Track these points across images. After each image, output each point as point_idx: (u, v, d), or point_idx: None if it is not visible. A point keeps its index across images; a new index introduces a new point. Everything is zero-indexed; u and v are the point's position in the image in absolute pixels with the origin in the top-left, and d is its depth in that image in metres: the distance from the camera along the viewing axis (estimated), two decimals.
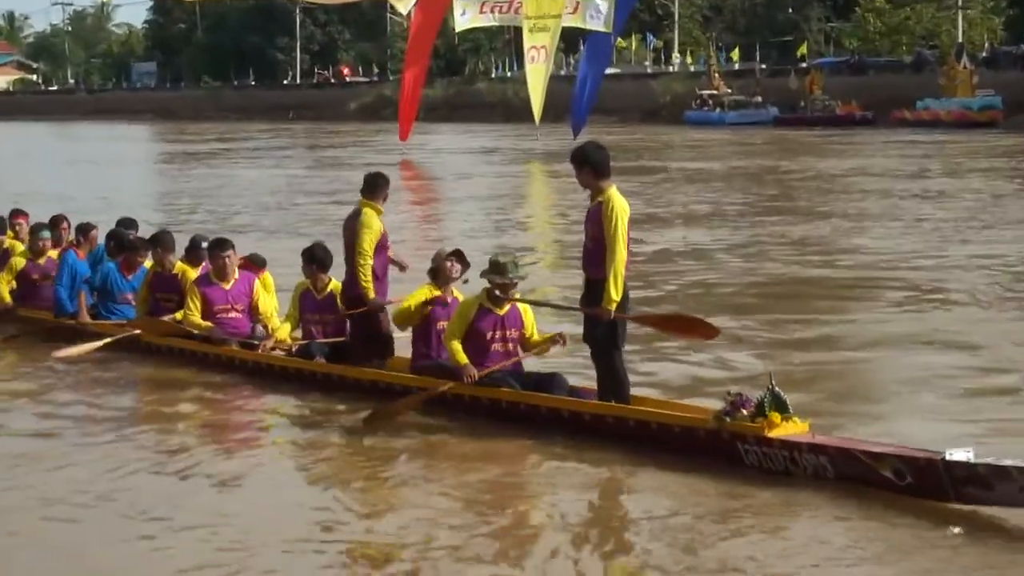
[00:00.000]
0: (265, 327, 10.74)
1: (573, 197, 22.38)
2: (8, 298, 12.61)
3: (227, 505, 7.25)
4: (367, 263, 9.66)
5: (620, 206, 8.16)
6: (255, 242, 12.12)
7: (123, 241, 12.02)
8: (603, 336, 8.28)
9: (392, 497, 7.40)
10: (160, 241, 11.57)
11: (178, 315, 11.02)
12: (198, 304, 10.77)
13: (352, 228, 9.70)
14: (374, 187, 9.83)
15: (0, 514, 7.13)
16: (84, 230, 12.68)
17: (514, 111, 65.34)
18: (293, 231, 20.34)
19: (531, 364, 9.16)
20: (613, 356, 8.33)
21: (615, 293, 8.14)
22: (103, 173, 37.18)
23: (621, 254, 8.12)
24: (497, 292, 8.90)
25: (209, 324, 10.70)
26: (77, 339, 11.26)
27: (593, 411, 8.28)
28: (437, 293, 9.36)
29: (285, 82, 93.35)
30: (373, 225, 9.66)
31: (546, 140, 45.68)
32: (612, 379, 8.36)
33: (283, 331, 10.47)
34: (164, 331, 11.08)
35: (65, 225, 13.33)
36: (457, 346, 8.81)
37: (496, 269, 8.85)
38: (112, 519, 7.03)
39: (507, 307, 8.95)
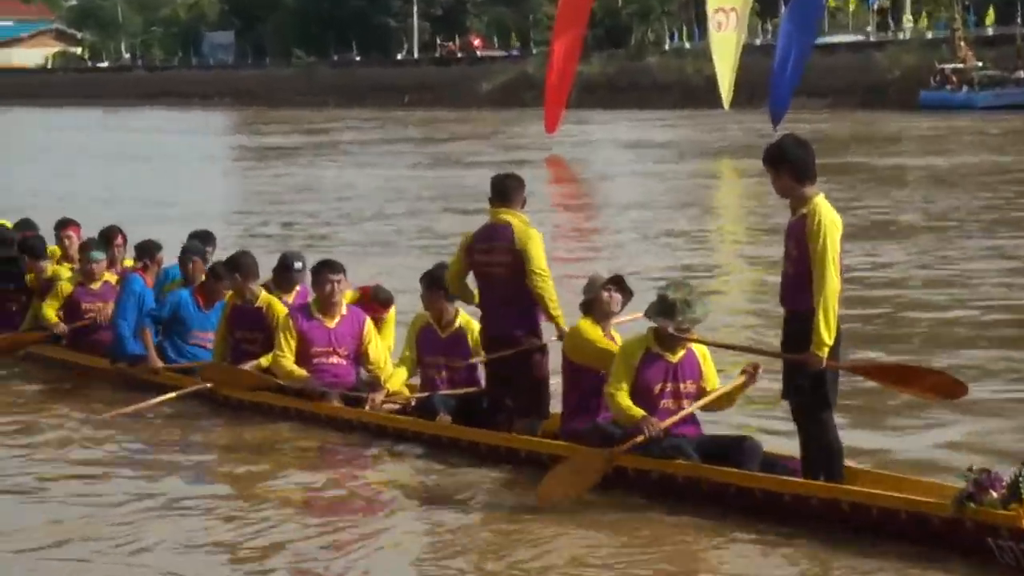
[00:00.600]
0: (377, 378, 10.85)
1: (773, 205, 22.34)
2: (54, 318, 12.97)
3: None
4: (551, 284, 9.77)
5: (829, 220, 8.16)
6: (351, 264, 12.33)
7: (213, 267, 12.08)
8: (810, 390, 8.27)
9: None
10: (240, 265, 11.59)
11: (264, 360, 11.18)
12: (292, 344, 10.87)
13: (503, 247, 9.78)
14: (505, 191, 9.96)
15: None
16: (149, 249, 12.87)
17: (694, 93, 65.40)
18: (398, 249, 20.72)
19: (711, 423, 9.23)
20: (822, 417, 8.32)
21: (826, 334, 8.11)
22: (159, 173, 38.25)
23: (833, 282, 8.11)
24: (671, 330, 8.97)
25: (304, 373, 10.81)
26: (136, 387, 11.64)
27: (796, 491, 8.30)
28: (600, 332, 9.46)
29: (399, 57, 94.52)
30: (540, 239, 9.80)
31: (737, 130, 45.61)
32: (821, 447, 8.35)
33: (396, 379, 10.64)
34: (243, 383, 11.27)
35: (120, 240, 13.60)
36: (625, 398, 8.89)
37: (665, 310, 8.88)
38: None
39: (682, 352, 9.05)
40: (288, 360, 10.88)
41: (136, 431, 11.00)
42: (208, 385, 11.39)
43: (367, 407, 10.54)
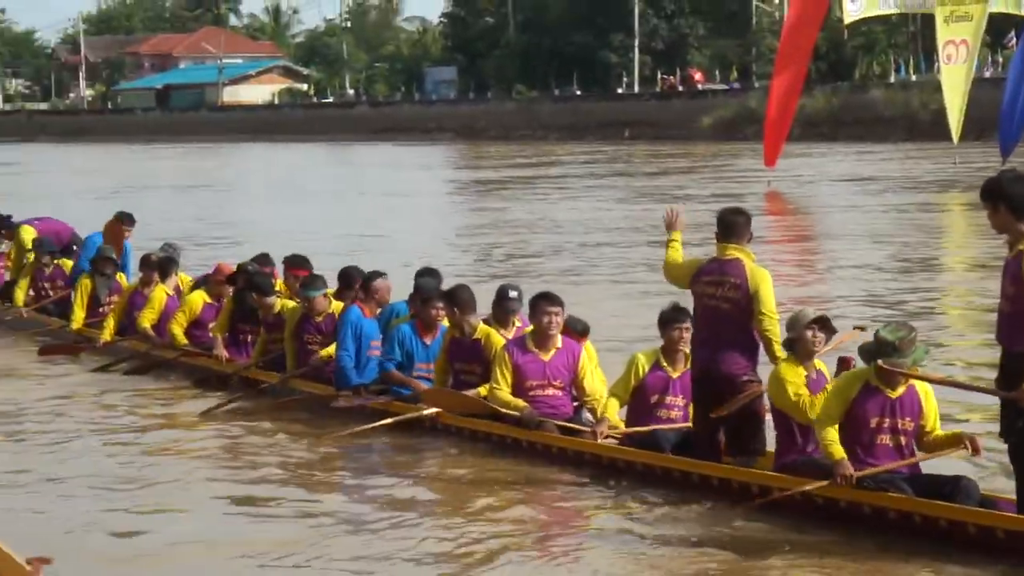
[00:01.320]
0: (593, 409, 10.95)
1: (997, 243, 21.88)
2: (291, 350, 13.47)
3: None
4: (778, 326, 9.80)
5: None
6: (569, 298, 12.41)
7: (428, 298, 12.32)
8: None
9: None
10: (457, 299, 11.86)
11: (482, 390, 11.40)
12: (508, 377, 11.06)
13: (733, 283, 9.79)
14: (733, 227, 9.98)
15: None
16: (370, 282, 13.19)
17: (920, 127, 64.34)
18: (598, 281, 20.76)
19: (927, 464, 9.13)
20: None
21: None
22: (380, 207, 38.89)
23: None
24: (882, 363, 8.87)
25: (522, 403, 10.98)
26: (361, 416, 11.98)
27: (1013, 527, 8.17)
28: (802, 372, 9.42)
29: (619, 91, 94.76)
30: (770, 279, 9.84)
31: (966, 164, 44.77)
32: None
33: (612, 411, 10.68)
34: (465, 408, 11.45)
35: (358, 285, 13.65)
36: (833, 434, 8.82)
37: (885, 350, 8.79)
38: None
39: (902, 388, 8.92)
40: (504, 392, 11.06)
41: (355, 454, 11.44)
42: (430, 411, 11.63)
43: (599, 439, 10.56)
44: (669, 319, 10.54)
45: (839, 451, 8.77)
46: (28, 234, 19.04)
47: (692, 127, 78.20)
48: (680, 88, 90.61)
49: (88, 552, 9.11)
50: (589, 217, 33.09)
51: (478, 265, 24.46)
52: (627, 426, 10.63)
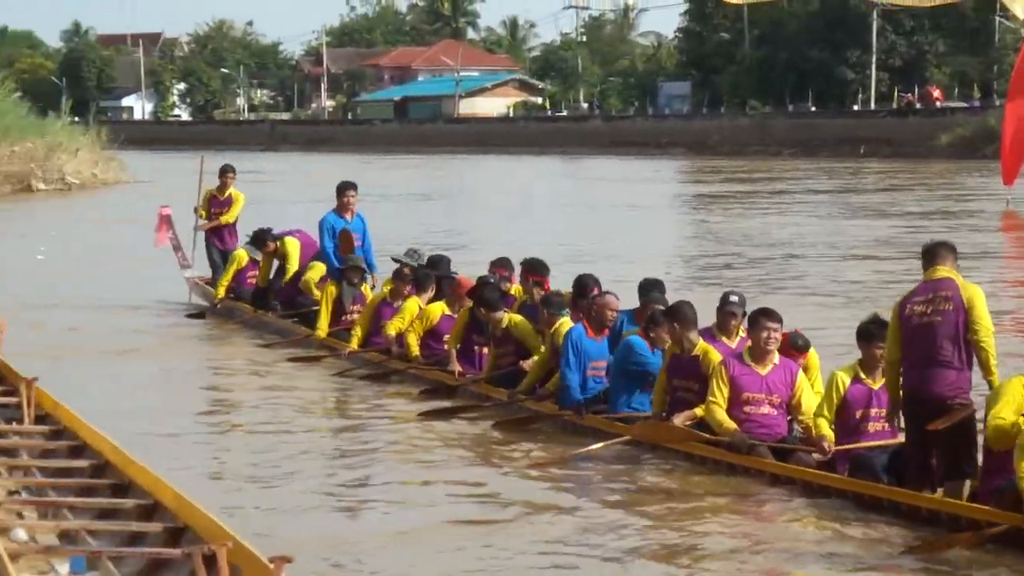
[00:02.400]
0: (808, 428, 10.96)
1: None
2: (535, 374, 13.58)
3: None
4: (994, 342, 9.82)
5: None
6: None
7: (653, 314, 12.41)
8: None
9: None
10: (678, 314, 11.91)
11: (699, 410, 11.45)
12: (725, 391, 11.13)
13: (945, 298, 9.78)
14: (938, 254, 10.04)
15: None
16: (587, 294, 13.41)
17: None
18: (813, 298, 20.73)
19: None
20: None
21: None
22: (608, 220, 39.20)
23: None
24: None
25: (733, 426, 11.02)
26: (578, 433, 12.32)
27: None
28: None
29: (855, 107, 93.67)
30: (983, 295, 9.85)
31: None
32: None
33: (826, 429, 10.67)
34: (675, 440, 11.57)
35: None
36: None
37: None
38: None
39: None
40: (720, 409, 11.11)
41: (573, 469, 11.65)
42: (630, 437, 11.85)
43: (826, 454, 10.60)
44: (869, 334, 10.56)
45: None
46: (293, 246, 19.45)
47: (929, 145, 76.97)
48: (918, 105, 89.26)
49: (324, 549, 9.46)
50: (816, 232, 32.91)
51: (698, 276, 24.57)
52: (836, 444, 10.67)
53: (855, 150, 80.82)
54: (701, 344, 11.75)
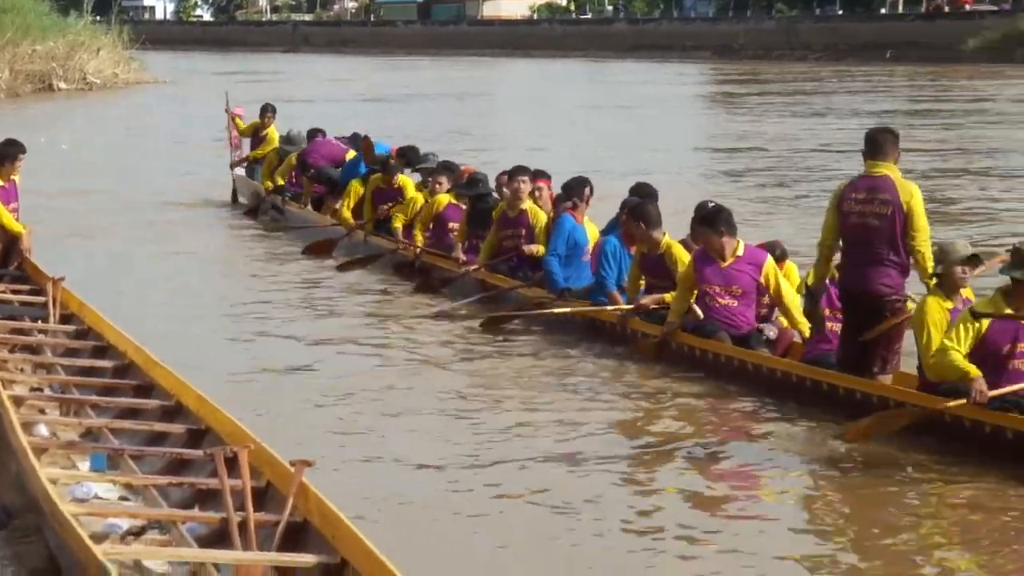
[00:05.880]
0: (779, 325, 11.47)
1: None
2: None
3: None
4: (930, 243, 9.92)
5: None
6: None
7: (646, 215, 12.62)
8: None
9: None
10: (642, 215, 12.42)
11: (667, 296, 12.04)
12: (690, 291, 11.68)
13: (883, 199, 9.88)
14: (881, 145, 10.05)
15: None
16: (575, 188, 13.73)
17: None
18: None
19: None
20: None
21: None
22: (613, 122, 39.39)
23: None
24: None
25: (680, 315, 11.66)
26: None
27: None
28: (949, 306, 9.40)
29: (883, 11, 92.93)
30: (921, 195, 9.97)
31: None
32: None
33: (806, 326, 11.01)
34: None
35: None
36: (959, 356, 8.88)
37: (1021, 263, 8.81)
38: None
39: None
40: (681, 302, 11.72)
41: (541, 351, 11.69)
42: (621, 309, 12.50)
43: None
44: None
45: (973, 368, 8.80)
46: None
47: (955, 49, 76.35)
48: (946, 9, 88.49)
49: (344, 453, 9.58)
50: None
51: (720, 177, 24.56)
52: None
53: (882, 54, 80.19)
54: (666, 240, 12.22)
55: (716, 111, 46.64)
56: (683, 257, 11.97)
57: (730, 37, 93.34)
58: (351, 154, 19.21)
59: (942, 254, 9.49)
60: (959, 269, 9.40)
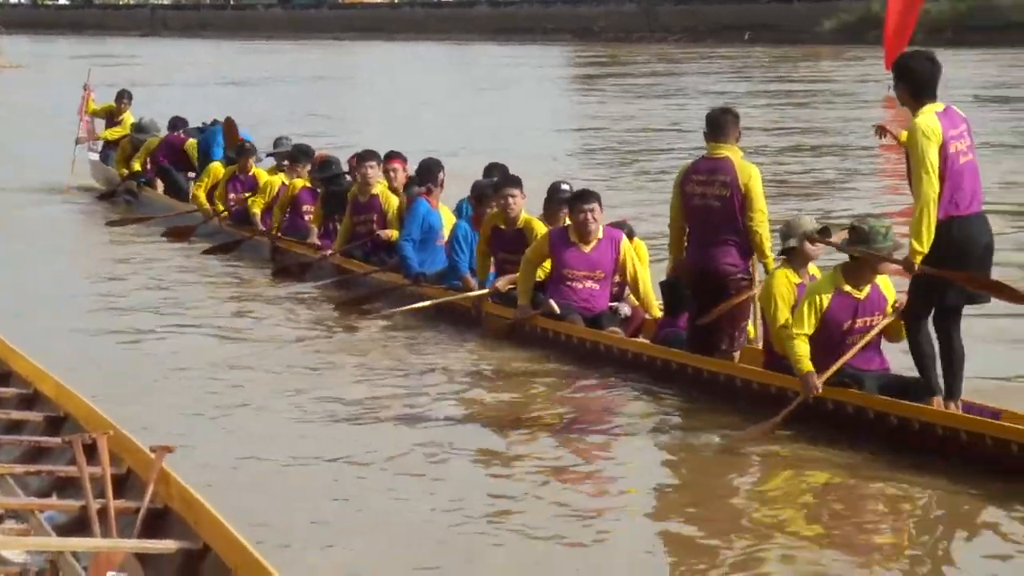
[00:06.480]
0: (631, 303, 11.76)
1: None
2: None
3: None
4: (768, 223, 10.28)
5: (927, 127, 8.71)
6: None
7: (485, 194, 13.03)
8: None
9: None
10: (482, 195, 12.83)
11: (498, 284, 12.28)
12: (539, 264, 11.87)
13: (723, 181, 10.15)
14: (722, 126, 10.27)
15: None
16: (430, 173, 13.94)
17: None
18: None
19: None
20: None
21: (917, 241, 8.64)
22: (468, 105, 39.44)
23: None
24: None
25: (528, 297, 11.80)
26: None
27: (943, 422, 8.73)
28: (796, 280, 9.65)
29: None
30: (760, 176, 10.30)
31: None
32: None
33: (656, 306, 11.36)
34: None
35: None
36: (803, 345, 9.20)
37: (862, 237, 9.05)
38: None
39: (867, 288, 9.26)
40: (527, 280, 11.90)
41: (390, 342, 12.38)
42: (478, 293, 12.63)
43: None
44: None
45: (808, 364, 9.11)
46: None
47: (813, 31, 77.29)
48: None
49: (205, 438, 9.65)
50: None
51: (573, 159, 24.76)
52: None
53: (740, 35, 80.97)
54: (524, 215, 12.30)
55: (573, 93, 46.85)
56: (541, 231, 12.11)
57: (590, 20, 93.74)
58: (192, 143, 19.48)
59: (789, 228, 9.75)
60: (808, 245, 9.63)
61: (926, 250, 8.58)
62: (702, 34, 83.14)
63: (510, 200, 12.25)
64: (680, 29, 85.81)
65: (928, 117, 8.70)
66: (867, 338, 9.14)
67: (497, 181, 12.80)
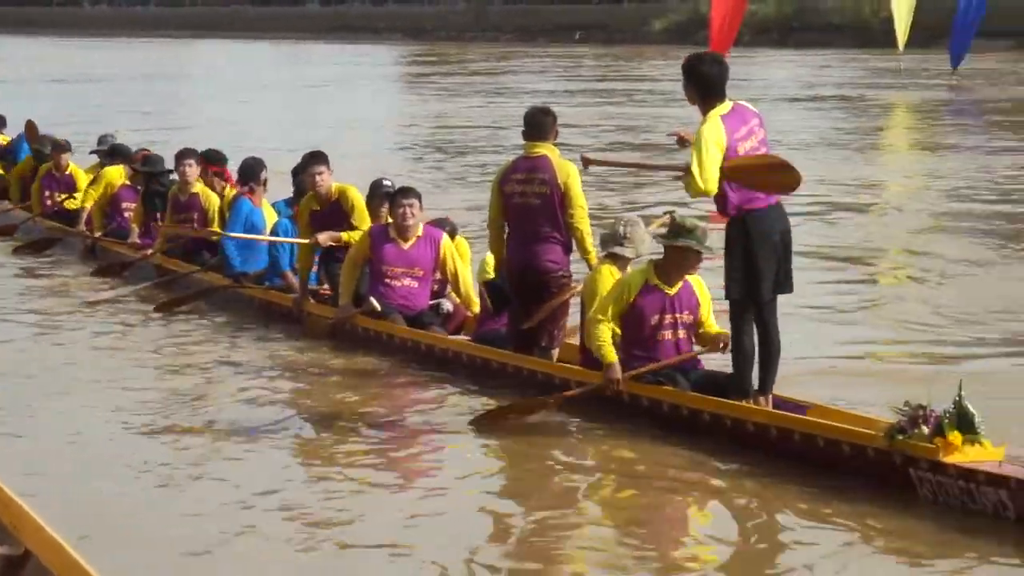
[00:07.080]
0: (453, 300, 11.72)
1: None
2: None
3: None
4: (588, 219, 10.30)
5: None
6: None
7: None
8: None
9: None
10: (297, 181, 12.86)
11: (345, 234, 12.08)
12: (365, 257, 11.68)
13: (541, 179, 10.16)
14: (540, 126, 10.37)
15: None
16: (252, 172, 13.73)
17: (869, 35, 64.48)
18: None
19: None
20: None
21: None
22: (307, 102, 38.94)
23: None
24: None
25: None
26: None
27: (756, 419, 8.76)
28: (619, 276, 9.76)
29: None
30: (579, 173, 10.27)
31: (912, 73, 44.97)
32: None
33: (476, 304, 11.34)
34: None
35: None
36: (606, 332, 9.26)
37: (681, 232, 9.17)
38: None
39: (679, 284, 9.38)
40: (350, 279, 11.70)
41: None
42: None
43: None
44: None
45: (611, 354, 9.20)
46: None
47: (643, 31, 78.19)
48: None
49: (24, 440, 9.42)
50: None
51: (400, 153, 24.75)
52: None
53: (571, 35, 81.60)
54: (335, 186, 12.27)
55: (401, 92, 46.86)
56: (358, 200, 12.14)
57: (422, 19, 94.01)
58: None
59: (612, 233, 9.90)
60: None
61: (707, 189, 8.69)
62: (534, 34, 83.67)
63: (318, 178, 12.17)
64: (512, 28, 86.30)
65: (712, 125, 8.79)
66: (683, 357, 9.28)
67: (301, 162, 12.67)
